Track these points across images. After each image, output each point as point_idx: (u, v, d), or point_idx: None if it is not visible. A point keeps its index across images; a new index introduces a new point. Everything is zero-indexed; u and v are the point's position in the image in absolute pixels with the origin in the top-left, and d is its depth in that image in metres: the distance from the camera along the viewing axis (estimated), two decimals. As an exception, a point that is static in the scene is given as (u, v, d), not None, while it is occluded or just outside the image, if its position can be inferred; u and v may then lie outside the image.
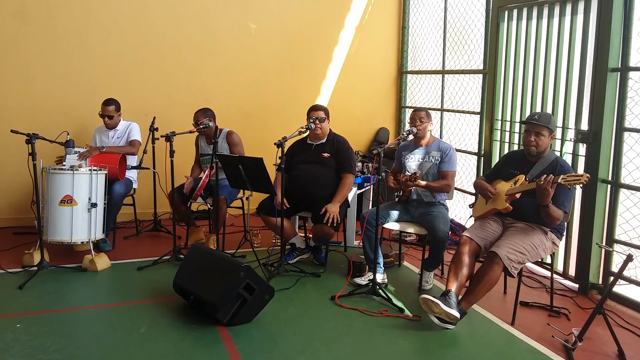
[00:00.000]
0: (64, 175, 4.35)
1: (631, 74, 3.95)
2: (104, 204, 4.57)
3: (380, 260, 4.27)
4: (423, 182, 4.20)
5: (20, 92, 5.55)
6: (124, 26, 5.82)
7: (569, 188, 3.46)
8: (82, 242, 4.49)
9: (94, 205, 4.40)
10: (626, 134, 3.99)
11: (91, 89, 5.71)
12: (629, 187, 3.98)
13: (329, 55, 6.67)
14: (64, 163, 4.67)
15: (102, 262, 4.46)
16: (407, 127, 4.43)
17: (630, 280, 3.92)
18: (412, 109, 4.51)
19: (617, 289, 3.95)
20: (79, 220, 4.37)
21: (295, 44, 6.49)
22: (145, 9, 5.88)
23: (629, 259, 3.14)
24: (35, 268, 4.23)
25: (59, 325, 3.45)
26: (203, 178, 4.78)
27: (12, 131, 4.25)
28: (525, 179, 3.65)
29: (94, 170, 4.43)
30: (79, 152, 4.80)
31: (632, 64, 3.94)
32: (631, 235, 3.97)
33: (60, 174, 4.35)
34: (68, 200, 4.33)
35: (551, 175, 3.35)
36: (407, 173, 4.29)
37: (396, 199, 4.43)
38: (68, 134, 4.74)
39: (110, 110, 5.12)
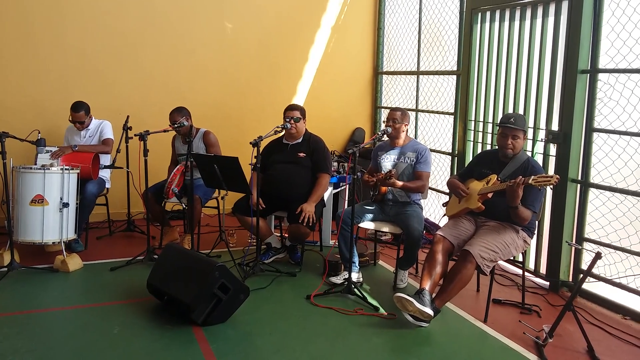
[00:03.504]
0: (34, 174, 4.27)
1: (600, 75, 4.03)
2: (76, 203, 4.50)
3: (356, 259, 4.29)
4: (400, 183, 4.24)
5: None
6: (99, 24, 5.73)
7: (539, 189, 3.53)
8: (53, 243, 4.41)
9: (65, 205, 4.32)
10: (595, 135, 4.07)
11: (64, 87, 5.62)
12: (597, 187, 4.06)
13: (305, 55, 6.68)
14: (36, 162, 4.58)
15: (74, 262, 4.39)
16: (383, 127, 4.46)
17: (599, 278, 4.00)
18: (389, 109, 4.53)
19: (586, 286, 4.04)
20: (50, 220, 4.30)
21: (271, 43, 6.48)
22: (121, 8, 5.80)
23: (597, 257, 3.20)
24: (5, 269, 4.16)
25: (30, 327, 3.39)
26: (174, 172, 4.72)
27: (-20, 129, 4.17)
28: (497, 178, 3.70)
29: (65, 169, 4.36)
30: (51, 151, 4.72)
31: (601, 65, 4.02)
32: (600, 234, 4.06)
33: (31, 173, 4.27)
34: (39, 200, 4.26)
35: (522, 177, 3.40)
36: (382, 172, 4.32)
37: (371, 199, 4.46)
38: (39, 133, 4.65)
39: (80, 116, 5.00)
